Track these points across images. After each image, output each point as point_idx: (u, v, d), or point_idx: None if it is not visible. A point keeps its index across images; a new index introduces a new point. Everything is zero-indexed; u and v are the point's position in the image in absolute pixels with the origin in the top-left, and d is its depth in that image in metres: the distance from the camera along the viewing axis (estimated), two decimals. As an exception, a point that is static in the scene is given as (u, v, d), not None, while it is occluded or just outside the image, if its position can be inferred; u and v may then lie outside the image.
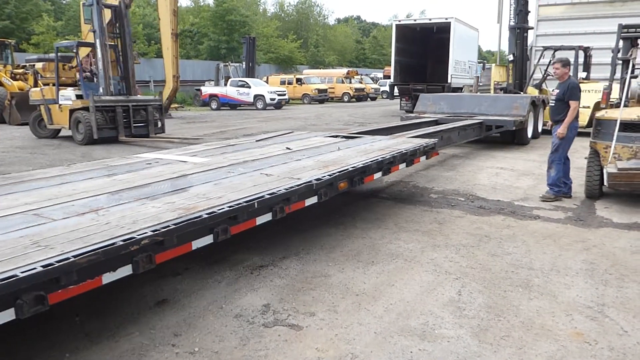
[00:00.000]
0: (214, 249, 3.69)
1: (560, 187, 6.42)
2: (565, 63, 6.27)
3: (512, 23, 13.80)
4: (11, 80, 18.63)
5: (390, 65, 21.54)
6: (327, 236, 5.05)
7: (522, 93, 13.60)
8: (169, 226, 2.98)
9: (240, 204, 3.54)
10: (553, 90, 6.51)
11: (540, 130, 12.58)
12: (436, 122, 10.59)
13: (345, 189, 4.94)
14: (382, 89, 40.04)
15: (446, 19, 19.10)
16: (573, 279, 3.99)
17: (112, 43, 12.81)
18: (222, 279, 3.96)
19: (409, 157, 6.05)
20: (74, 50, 13.00)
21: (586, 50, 13.16)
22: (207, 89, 29.12)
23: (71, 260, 2.44)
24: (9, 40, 21.51)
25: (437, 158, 8.85)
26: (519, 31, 13.84)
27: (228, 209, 3.42)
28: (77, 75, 13.00)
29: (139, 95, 14.55)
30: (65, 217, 3.23)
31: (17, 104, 17.10)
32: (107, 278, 2.69)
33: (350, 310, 3.44)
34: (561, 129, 6.23)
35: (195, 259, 4.21)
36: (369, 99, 37.54)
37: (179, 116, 22.01)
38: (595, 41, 14.47)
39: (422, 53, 22.14)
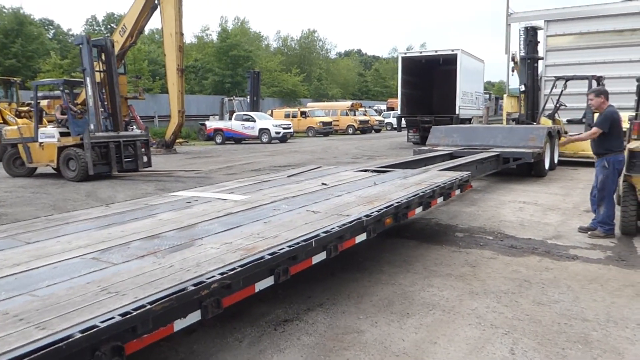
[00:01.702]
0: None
1: (611, 225, 6.03)
2: (598, 92, 6.00)
3: (522, 54, 13.66)
4: (16, 118, 18.50)
5: (393, 97, 21.46)
6: (352, 282, 4.64)
7: (534, 124, 13.34)
8: (235, 268, 2.88)
9: (299, 243, 3.45)
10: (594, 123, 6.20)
11: (556, 161, 12.25)
12: (451, 156, 10.29)
13: (390, 225, 4.76)
14: (386, 120, 40.07)
15: (452, 50, 19.08)
16: (635, 332, 3.56)
17: (98, 81, 12.82)
18: (243, 338, 3.54)
19: (446, 191, 5.88)
20: (60, 89, 12.98)
21: (599, 79, 12.93)
22: (212, 124, 29.05)
23: (147, 307, 2.34)
24: (15, 79, 21.58)
25: (456, 193, 8.51)
26: (530, 61, 13.70)
27: (288, 249, 3.32)
28: (57, 112, 12.93)
29: (136, 130, 14.58)
30: (125, 261, 3.12)
31: (21, 142, 16.91)
32: (179, 325, 2.57)
33: (392, 375, 3.02)
34: (569, 138, 6.17)
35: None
36: (373, 131, 37.45)
37: (184, 151, 21.80)
38: (606, 70, 14.34)
39: (429, 85, 22.08)
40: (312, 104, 42.54)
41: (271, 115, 32.11)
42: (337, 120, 36.19)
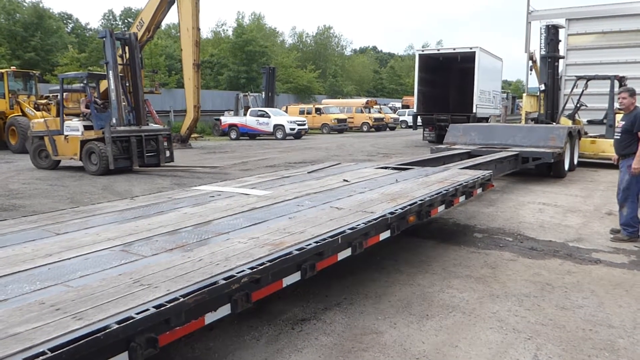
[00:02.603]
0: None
1: (634, 227, 5.88)
2: (633, 92, 5.83)
3: (542, 52, 13.43)
4: (34, 111, 18.70)
5: (409, 94, 21.31)
6: (369, 282, 4.58)
7: (554, 124, 13.12)
8: (264, 263, 2.89)
9: (325, 239, 3.45)
10: (618, 122, 6.05)
11: (576, 162, 12.03)
12: (469, 154, 10.15)
13: (413, 223, 4.74)
14: (401, 118, 39.83)
15: (470, 48, 18.84)
16: (663, 340, 3.45)
17: (121, 74, 12.83)
18: (260, 336, 3.50)
19: (468, 190, 5.83)
20: (84, 82, 13.01)
21: (622, 79, 12.67)
22: (227, 119, 29.10)
23: (180, 300, 2.36)
24: (34, 72, 21.78)
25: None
26: (550, 60, 13.46)
27: (315, 244, 3.33)
28: (82, 105, 12.97)
29: (153, 125, 14.55)
30: (155, 254, 3.17)
31: (39, 134, 17.08)
32: (209, 318, 2.60)
33: (413, 379, 2.96)
34: (636, 163, 5.67)
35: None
36: (388, 129, 37.25)
37: (199, 146, 21.86)
38: (629, 70, 14.01)
39: (446, 83, 21.85)
40: (327, 101, 42.47)
41: (286, 111, 32.08)
42: (352, 118, 36.04)
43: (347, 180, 6.11)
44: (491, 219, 7.13)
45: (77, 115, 13.40)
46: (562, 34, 14.46)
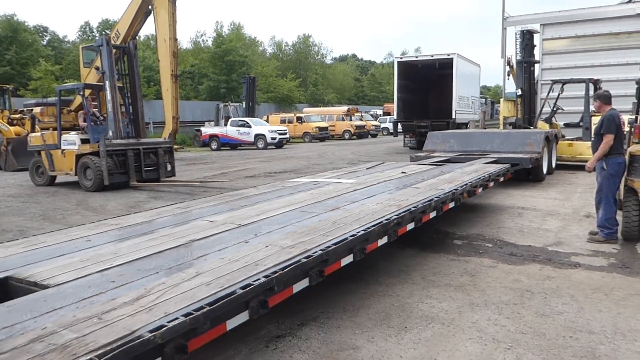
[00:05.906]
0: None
1: (611, 229, 5.89)
2: (595, 97, 5.97)
3: (518, 57, 13.56)
4: (8, 126, 18.30)
5: (389, 101, 21.37)
6: (347, 294, 4.47)
7: (532, 128, 13.23)
8: (401, 214, 4.46)
9: (425, 203, 5.00)
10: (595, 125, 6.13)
11: (554, 165, 12.12)
12: (448, 162, 10.13)
13: (466, 198, 6.45)
14: (382, 125, 39.98)
15: (448, 54, 18.98)
16: (643, 345, 3.40)
17: (119, 85, 12.30)
18: (232, 356, 3.36)
19: (495, 177, 7.49)
20: (80, 93, 12.54)
21: (596, 82, 12.84)
22: (207, 130, 28.85)
23: (372, 229, 3.94)
24: (7, 86, 21.31)
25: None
26: (526, 65, 13.59)
27: (422, 205, 4.88)
28: (80, 119, 12.50)
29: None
30: (325, 212, 4.60)
31: (13, 150, 16.72)
32: (380, 242, 4.16)
33: (390, 396, 2.85)
34: (589, 162, 5.88)
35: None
36: (369, 136, 37.33)
37: (179, 157, 21.53)
38: (603, 73, 14.25)
39: (425, 89, 21.96)
40: (308, 109, 42.42)
41: (267, 120, 31.93)
42: (333, 126, 36.03)
43: (404, 172, 7.63)
44: (471, 225, 7.09)
45: (66, 129, 12.76)
46: (537, 39, 14.64)
